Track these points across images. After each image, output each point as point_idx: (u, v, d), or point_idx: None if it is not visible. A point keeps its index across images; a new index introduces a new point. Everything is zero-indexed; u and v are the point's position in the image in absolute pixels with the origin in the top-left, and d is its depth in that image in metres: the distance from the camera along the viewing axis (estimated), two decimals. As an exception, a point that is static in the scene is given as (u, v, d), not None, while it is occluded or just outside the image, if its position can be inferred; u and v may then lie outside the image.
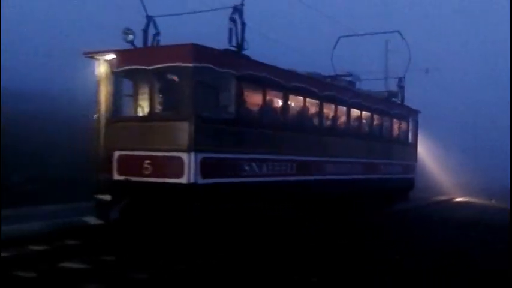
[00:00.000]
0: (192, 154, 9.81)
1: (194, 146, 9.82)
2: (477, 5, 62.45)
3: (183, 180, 9.84)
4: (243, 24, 11.23)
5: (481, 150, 39.53)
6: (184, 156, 9.82)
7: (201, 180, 9.94)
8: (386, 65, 33.19)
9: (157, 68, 10.14)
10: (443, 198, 29.87)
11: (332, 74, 17.28)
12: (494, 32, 56.16)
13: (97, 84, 11.40)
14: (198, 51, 10.00)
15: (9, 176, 16.62)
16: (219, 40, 11.63)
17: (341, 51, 20.09)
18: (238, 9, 11.17)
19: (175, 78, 10.51)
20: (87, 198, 11.55)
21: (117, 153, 10.57)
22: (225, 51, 10.88)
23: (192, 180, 9.82)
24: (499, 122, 39.27)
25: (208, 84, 10.30)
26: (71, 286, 7.42)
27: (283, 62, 13.22)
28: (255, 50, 11.60)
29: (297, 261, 9.43)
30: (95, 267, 8.49)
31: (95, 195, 11.03)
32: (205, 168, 10.01)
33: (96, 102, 11.40)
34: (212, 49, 10.39)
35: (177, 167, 9.86)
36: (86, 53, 11.25)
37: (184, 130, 9.85)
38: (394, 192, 19.53)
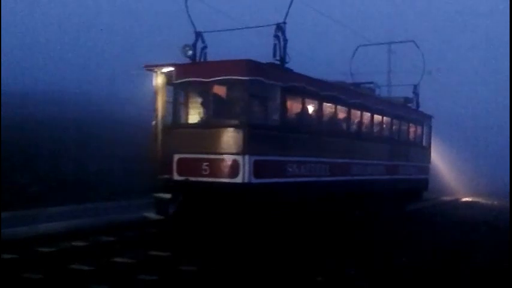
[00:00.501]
0: (246, 157, 11.16)
1: (247, 150, 11.16)
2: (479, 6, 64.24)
3: (238, 179, 11.18)
4: (285, 40, 12.59)
5: (486, 152, 40.83)
6: (239, 158, 11.17)
7: (253, 180, 11.29)
8: (389, 67, 34.60)
9: (215, 80, 11.50)
10: (450, 198, 31.19)
11: (350, 81, 18.74)
12: (494, 32, 57.73)
13: (154, 94, 12.78)
14: (251, 66, 11.36)
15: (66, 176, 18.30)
16: (259, 53, 13.02)
17: (346, 54, 21.50)
18: (280, 27, 12.53)
19: (231, 89, 11.82)
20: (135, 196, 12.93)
21: (176, 156, 11.90)
22: (271, 65, 12.23)
23: (246, 180, 11.16)
24: (505, 123, 40.55)
25: (259, 95, 11.67)
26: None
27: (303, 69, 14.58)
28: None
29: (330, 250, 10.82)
30: (149, 259, 9.77)
31: (155, 194, 12.38)
32: (257, 169, 11.35)
33: (154, 110, 12.78)
34: (262, 64, 11.76)
35: (232, 168, 11.20)
36: (146, 66, 12.62)
37: (239, 136, 11.19)
38: (410, 192, 20.89)
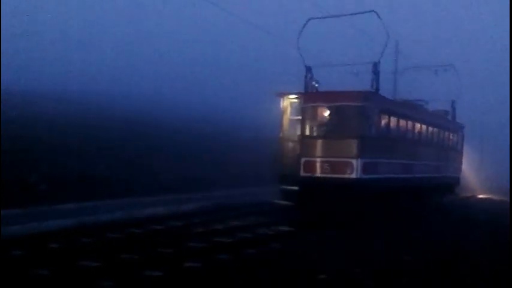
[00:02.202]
0: (359, 160, 15.80)
1: (359, 155, 15.80)
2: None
3: (353, 175, 15.80)
4: (378, 73, 17.20)
5: (501, 155, 45.56)
6: (354, 161, 15.80)
7: (362, 176, 15.92)
8: (396, 66, 38.60)
9: (337, 105, 16.13)
10: (470, 194, 35.98)
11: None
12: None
13: (281, 113, 17.39)
14: (362, 95, 16.01)
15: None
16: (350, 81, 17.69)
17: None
18: (376, 65, 17.14)
19: (348, 111, 16.37)
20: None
21: (303, 159, 16.50)
22: (371, 93, 16.84)
23: (358, 176, 15.80)
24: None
25: (365, 115, 16.29)
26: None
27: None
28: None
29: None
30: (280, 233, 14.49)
31: (282, 186, 16.97)
32: (364, 168, 15.98)
33: (280, 125, 17.39)
34: (367, 93, 16.39)
35: (349, 168, 15.83)
36: (277, 93, 17.23)
37: (353, 145, 15.83)
38: (448, 187, 25.64)
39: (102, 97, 40.68)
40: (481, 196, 36.80)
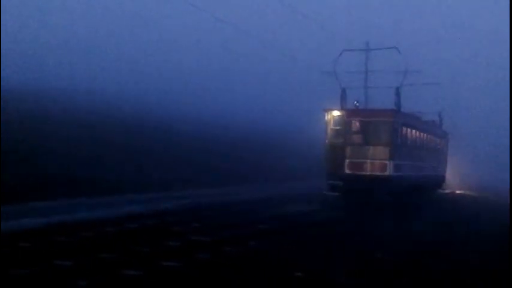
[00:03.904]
0: (391, 161, 21.06)
1: (392, 158, 21.07)
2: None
3: (387, 173, 21.04)
4: (400, 95, 22.53)
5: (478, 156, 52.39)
6: (387, 162, 21.05)
7: (394, 173, 21.19)
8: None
9: (374, 120, 21.36)
10: (449, 191, 41.98)
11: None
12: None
13: (326, 125, 22.46)
14: (392, 113, 21.32)
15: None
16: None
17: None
18: (397, 89, 22.47)
19: (382, 125, 21.57)
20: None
21: (347, 160, 21.62)
22: (396, 111, 22.11)
23: (391, 173, 21.05)
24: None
25: (394, 127, 21.57)
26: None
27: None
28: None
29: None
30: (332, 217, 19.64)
31: (329, 181, 22.05)
32: (395, 168, 21.26)
33: (326, 134, 22.46)
34: (395, 110, 21.68)
35: (384, 167, 21.06)
36: (325, 109, 22.29)
37: (387, 150, 21.08)
38: (438, 183, 31.40)
39: (100, 97, 41.27)
40: (458, 192, 42.90)
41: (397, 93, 22.45)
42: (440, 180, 31.91)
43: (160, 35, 66.14)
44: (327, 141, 22.59)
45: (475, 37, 76.36)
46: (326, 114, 22.57)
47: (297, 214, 19.41)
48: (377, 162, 21.26)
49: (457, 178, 43.93)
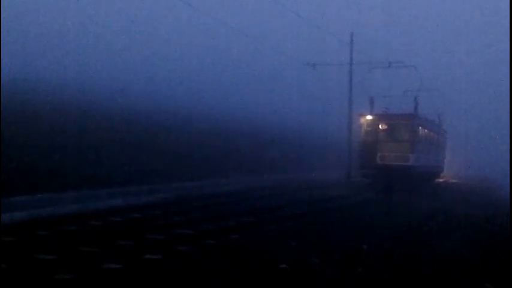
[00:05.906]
0: (412, 154, 27.51)
1: (412, 151, 27.51)
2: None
3: (409, 163, 27.48)
4: (417, 102, 28.99)
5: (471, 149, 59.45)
6: (409, 155, 27.49)
7: (415, 163, 27.65)
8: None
9: (398, 122, 27.78)
10: (444, 179, 48.79)
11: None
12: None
13: (360, 126, 28.80)
14: (412, 116, 27.82)
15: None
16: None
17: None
18: (416, 98, 28.96)
19: (404, 125, 27.98)
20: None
21: (379, 154, 28.00)
22: (413, 114, 28.56)
23: (413, 164, 27.51)
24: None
25: (412, 127, 28.02)
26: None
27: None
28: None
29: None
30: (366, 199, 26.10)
31: (363, 170, 28.43)
32: (416, 159, 27.71)
33: (361, 133, 28.81)
34: (413, 114, 28.16)
35: (407, 159, 27.48)
36: (359, 114, 28.68)
37: (408, 145, 27.52)
38: (438, 172, 38.11)
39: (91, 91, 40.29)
40: (452, 180, 49.68)
41: (415, 101, 28.95)
42: (440, 170, 38.64)
43: (154, 29, 66.86)
44: (361, 139, 28.96)
45: (474, 38, 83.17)
46: (360, 118, 28.94)
47: (339, 197, 25.78)
48: (402, 155, 27.69)
49: (452, 169, 50.95)
